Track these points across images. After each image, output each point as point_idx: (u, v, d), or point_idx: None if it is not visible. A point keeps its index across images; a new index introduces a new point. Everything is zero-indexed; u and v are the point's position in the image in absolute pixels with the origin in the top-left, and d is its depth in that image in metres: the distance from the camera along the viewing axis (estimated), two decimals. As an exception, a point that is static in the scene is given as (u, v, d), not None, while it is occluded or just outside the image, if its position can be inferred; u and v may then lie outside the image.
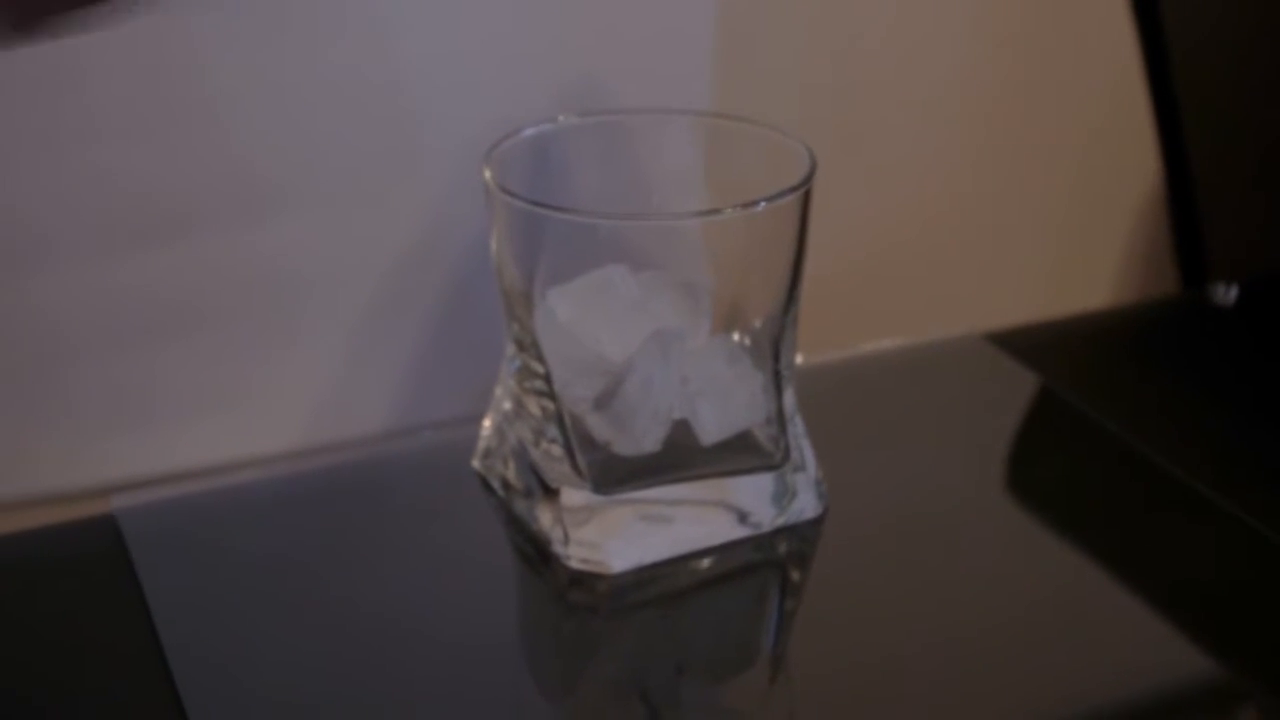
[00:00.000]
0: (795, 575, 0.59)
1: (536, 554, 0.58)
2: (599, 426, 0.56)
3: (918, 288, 0.79)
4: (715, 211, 0.55)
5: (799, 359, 0.60)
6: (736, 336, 0.58)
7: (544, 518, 0.58)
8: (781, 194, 0.54)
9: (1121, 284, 0.85)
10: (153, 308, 0.70)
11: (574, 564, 0.56)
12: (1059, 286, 0.83)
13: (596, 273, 0.56)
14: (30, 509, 0.69)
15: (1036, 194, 0.84)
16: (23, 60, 0.58)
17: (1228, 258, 0.84)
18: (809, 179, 0.55)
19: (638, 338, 0.55)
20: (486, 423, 0.62)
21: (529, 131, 0.59)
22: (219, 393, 0.73)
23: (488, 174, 0.56)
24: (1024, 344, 0.75)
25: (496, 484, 0.61)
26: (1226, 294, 0.79)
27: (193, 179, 0.69)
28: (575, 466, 0.56)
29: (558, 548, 0.57)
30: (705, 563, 0.58)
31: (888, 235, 0.79)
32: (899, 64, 0.81)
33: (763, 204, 0.54)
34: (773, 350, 0.57)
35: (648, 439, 0.56)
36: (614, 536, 0.56)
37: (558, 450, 0.57)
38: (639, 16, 0.73)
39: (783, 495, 0.58)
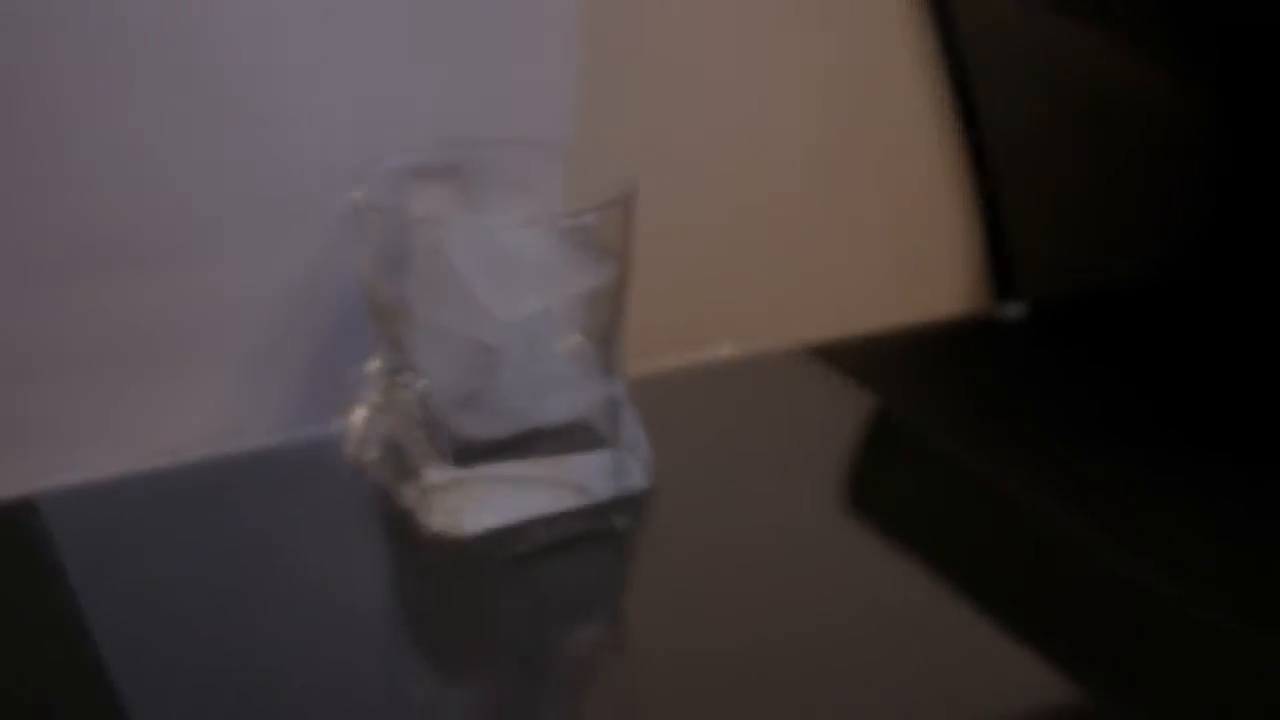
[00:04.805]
0: (627, 542, 0.69)
1: (404, 525, 0.67)
2: (465, 414, 0.65)
3: (744, 295, 0.87)
4: (556, 216, 0.64)
5: (631, 368, 0.69)
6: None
7: (410, 493, 0.66)
8: (609, 205, 0.64)
9: (935, 299, 0.93)
10: (11, 353, 0.76)
11: (436, 528, 0.65)
12: (876, 300, 0.91)
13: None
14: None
15: (859, 212, 0.91)
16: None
17: (1030, 278, 0.93)
18: (632, 195, 0.65)
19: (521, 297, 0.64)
20: (358, 415, 0.70)
21: (392, 160, 0.68)
22: (94, 426, 0.78)
23: (356, 195, 0.65)
24: (842, 356, 0.84)
25: (368, 468, 0.69)
26: (1015, 310, 0.88)
27: (66, 232, 0.74)
28: (436, 448, 0.65)
29: (422, 516, 0.65)
30: (549, 529, 0.66)
31: (715, 244, 0.86)
32: (735, 88, 0.87)
33: (591, 215, 0.64)
34: (605, 344, 0.66)
35: (531, 411, 0.65)
36: (470, 504, 0.65)
37: (420, 434, 0.66)
38: (505, 62, 0.80)
39: (616, 471, 0.68)
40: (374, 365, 0.68)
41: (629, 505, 0.68)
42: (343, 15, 0.75)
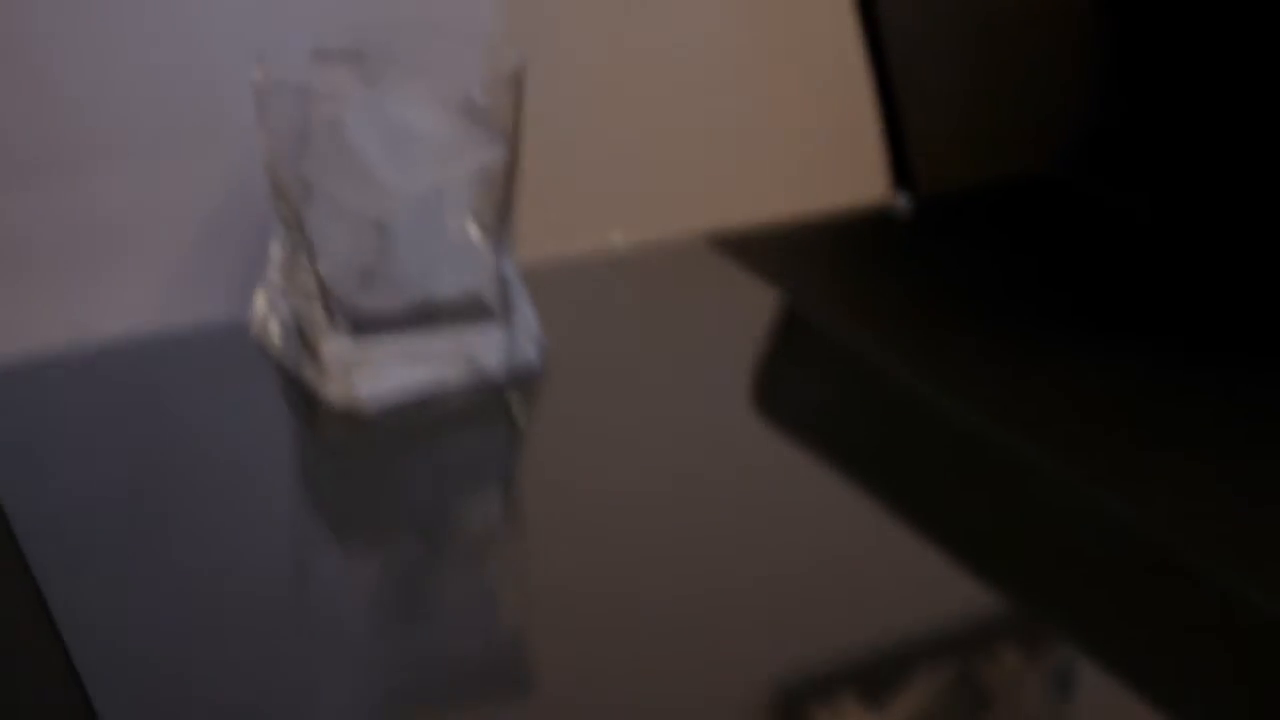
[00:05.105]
0: (521, 418, 0.71)
1: (305, 401, 0.69)
2: (361, 289, 0.67)
3: (641, 184, 0.88)
4: (446, 93, 0.66)
5: (527, 255, 0.71)
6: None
7: (309, 369, 0.68)
8: (498, 83, 0.66)
9: (833, 190, 0.95)
10: None
11: (333, 400, 0.67)
12: (774, 190, 0.92)
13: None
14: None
15: (758, 102, 0.93)
16: None
17: (928, 170, 0.95)
18: (520, 74, 0.67)
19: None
20: (260, 297, 0.72)
21: (295, 42, 0.69)
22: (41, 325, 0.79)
23: (258, 75, 0.66)
24: (740, 246, 0.86)
25: (270, 347, 0.71)
26: (904, 202, 0.91)
27: (13, 134, 0.75)
28: (334, 323, 0.67)
29: (320, 390, 0.67)
30: (445, 403, 0.68)
31: (614, 132, 0.87)
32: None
33: (479, 91, 0.66)
34: (497, 221, 0.68)
35: (424, 285, 0.67)
36: (365, 375, 0.67)
37: (319, 311, 0.67)
38: None
39: (508, 346, 0.70)
40: (276, 247, 0.70)
41: (521, 382, 0.70)
42: None
